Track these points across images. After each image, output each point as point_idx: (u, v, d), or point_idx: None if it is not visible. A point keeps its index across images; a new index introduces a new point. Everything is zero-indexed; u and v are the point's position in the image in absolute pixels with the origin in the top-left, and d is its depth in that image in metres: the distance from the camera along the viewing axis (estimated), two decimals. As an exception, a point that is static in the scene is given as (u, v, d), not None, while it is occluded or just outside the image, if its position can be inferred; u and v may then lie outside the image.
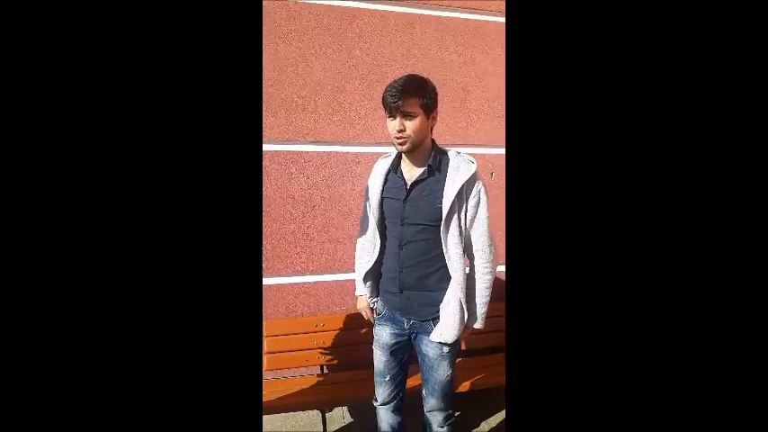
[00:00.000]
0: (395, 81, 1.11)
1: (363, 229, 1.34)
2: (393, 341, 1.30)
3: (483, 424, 1.80)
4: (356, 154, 1.98)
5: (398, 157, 1.22)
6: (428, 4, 1.99)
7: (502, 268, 1.94)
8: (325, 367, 1.81)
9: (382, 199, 1.24)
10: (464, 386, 1.69)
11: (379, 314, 1.33)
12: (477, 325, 1.22)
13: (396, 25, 1.96)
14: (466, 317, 1.19)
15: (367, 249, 1.31)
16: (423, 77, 1.14)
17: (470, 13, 2.03)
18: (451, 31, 2.03)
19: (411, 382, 1.47)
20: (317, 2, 1.88)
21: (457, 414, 1.81)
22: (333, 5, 1.89)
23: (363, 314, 1.39)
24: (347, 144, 1.96)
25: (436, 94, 1.15)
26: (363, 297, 1.36)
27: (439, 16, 2.01)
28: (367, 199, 1.31)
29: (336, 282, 2.01)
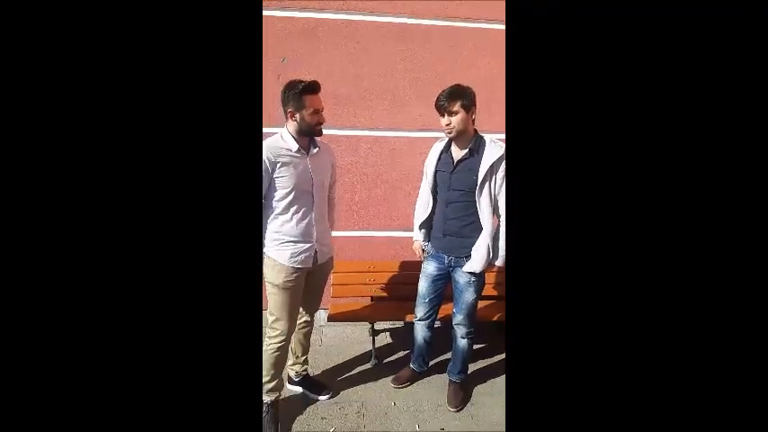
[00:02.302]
0: (444, 90, 1.59)
1: (421, 192, 1.86)
2: (436, 272, 1.83)
3: (497, 356, 2.35)
4: (400, 139, 2.50)
5: (449, 142, 1.72)
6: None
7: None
8: (373, 298, 2.38)
9: (436, 171, 1.74)
10: (495, 317, 2.24)
11: (427, 253, 1.86)
12: (499, 262, 1.71)
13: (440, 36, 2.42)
14: (491, 255, 1.70)
15: (423, 207, 1.83)
16: (464, 86, 1.59)
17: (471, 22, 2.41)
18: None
19: (443, 312, 1.99)
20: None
21: (483, 345, 2.37)
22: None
23: (416, 252, 1.91)
24: (398, 130, 2.49)
25: (475, 96, 1.60)
26: (418, 241, 1.89)
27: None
28: (425, 172, 1.82)
29: (387, 237, 2.60)
